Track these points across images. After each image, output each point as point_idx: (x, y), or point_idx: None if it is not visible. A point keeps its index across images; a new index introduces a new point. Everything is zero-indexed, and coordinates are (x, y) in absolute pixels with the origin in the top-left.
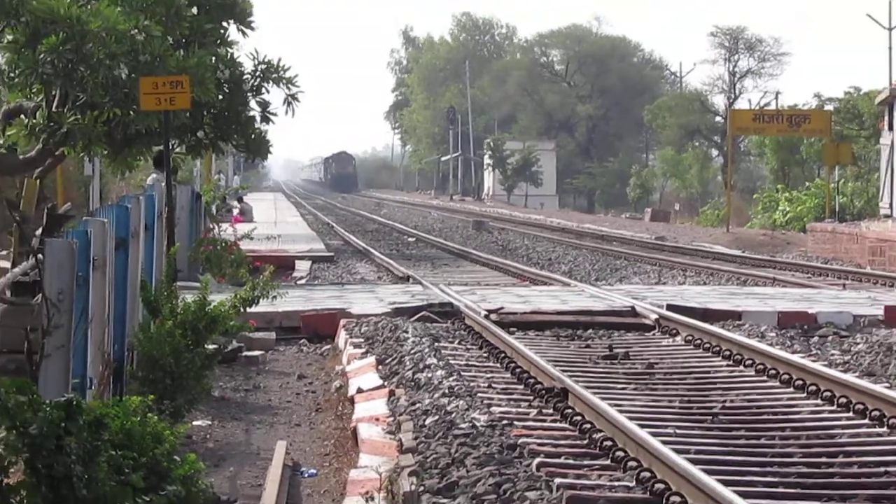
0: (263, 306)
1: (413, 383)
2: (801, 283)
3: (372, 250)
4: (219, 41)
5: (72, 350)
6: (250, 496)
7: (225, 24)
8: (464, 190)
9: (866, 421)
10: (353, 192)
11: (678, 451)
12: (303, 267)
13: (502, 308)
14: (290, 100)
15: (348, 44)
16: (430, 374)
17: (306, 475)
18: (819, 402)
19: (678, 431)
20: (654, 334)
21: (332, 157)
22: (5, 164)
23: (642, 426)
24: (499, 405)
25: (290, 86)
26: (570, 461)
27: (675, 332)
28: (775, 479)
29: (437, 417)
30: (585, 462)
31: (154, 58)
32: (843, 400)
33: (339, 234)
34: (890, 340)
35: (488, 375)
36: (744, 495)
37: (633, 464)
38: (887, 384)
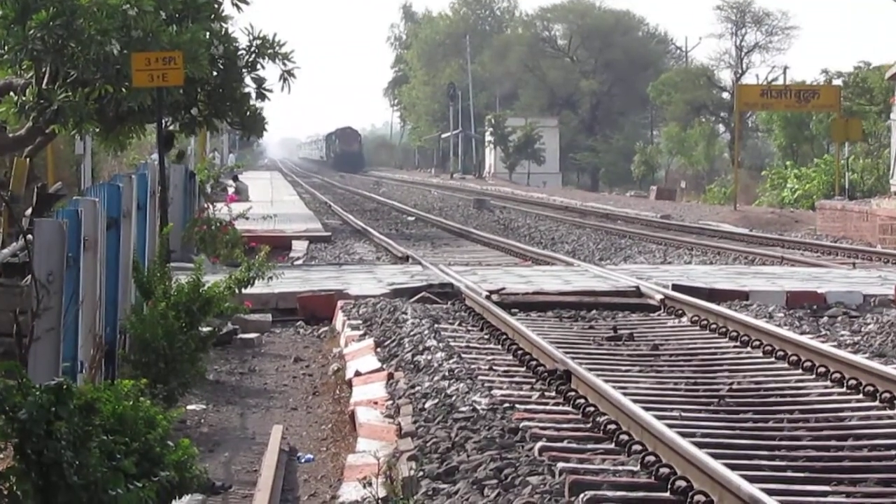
0: (259, 287)
1: (412, 366)
2: (810, 263)
3: (370, 230)
4: (213, 16)
5: (62, 333)
6: (245, 482)
7: None
8: (464, 168)
9: (876, 403)
10: (360, 171)
11: (684, 435)
12: (299, 247)
13: (504, 289)
14: (286, 76)
15: (346, 19)
16: (429, 357)
17: (303, 460)
18: (828, 383)
19: (684, 414)
20: (659, 315)
21: (336, 132)
22: None
23: (647, 409)
24: (500, 388)
25: (285, 62)
26: (574, 445)
27: (680, 312)
28: (783, 463)
29: (436, 401)
30: (589, 446)
31: (146, 33)
32: (853, 382)
33: (337, 213)
34: None
35: (489, 358)
36: (751, 479)
37: (637, 448)
38: None
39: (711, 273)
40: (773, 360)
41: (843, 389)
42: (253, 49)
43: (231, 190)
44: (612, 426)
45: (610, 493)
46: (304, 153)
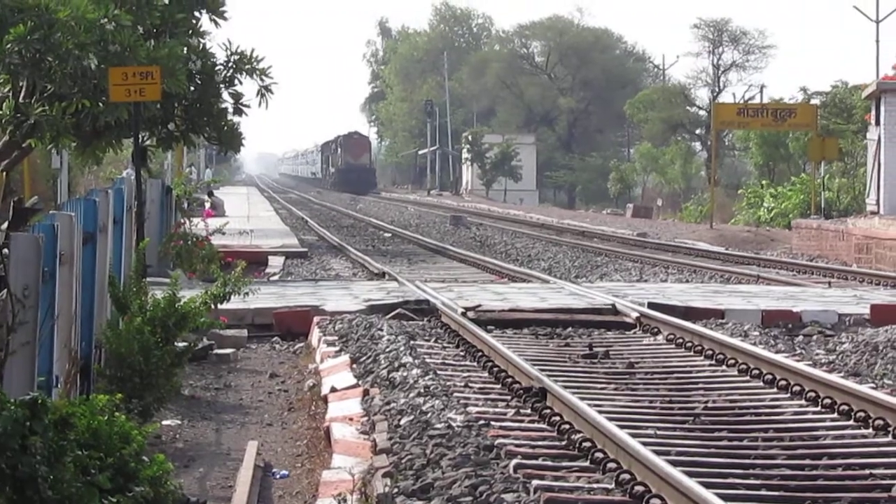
0: (235, 303)
1: (388, 382)
2: (786, 281)
3: (347, 246)
4: (190, 31)
5: (37, 347)
6: (220, 498)
7: (197, 13)
8: (441, 184)
9: (851, 422)
10: (371, 192)
11: (659, 453)
12: (276, 263)
13: (480, 306)
14: (264, 91)
15: (324, 35)
16: (405, 373)
17: (278, 476)
18: (803, 402)
19: (659, 432)
20: (634, 333)
21: (339, 140)
22: None
23: (622, 427)
24: (475, 405)
25: (263, 77)
26: (548, 463)
27: (656, 330)
28: (758, 482)
29: (412, 417)
30: (564, 464)
31: (124, 48)
32: (828, 401)
33: (314, 229)
34: (876, 340)
35: (465, 374)
36: (725, 498)
37: (612, 465)
38: (873, 385)
39: (687, 291)
40: (748, 378)
41: (818, 408)
42: (231, 64)
43: (207, 205)
44: (587, 444)
45: None
46: (287, 168)
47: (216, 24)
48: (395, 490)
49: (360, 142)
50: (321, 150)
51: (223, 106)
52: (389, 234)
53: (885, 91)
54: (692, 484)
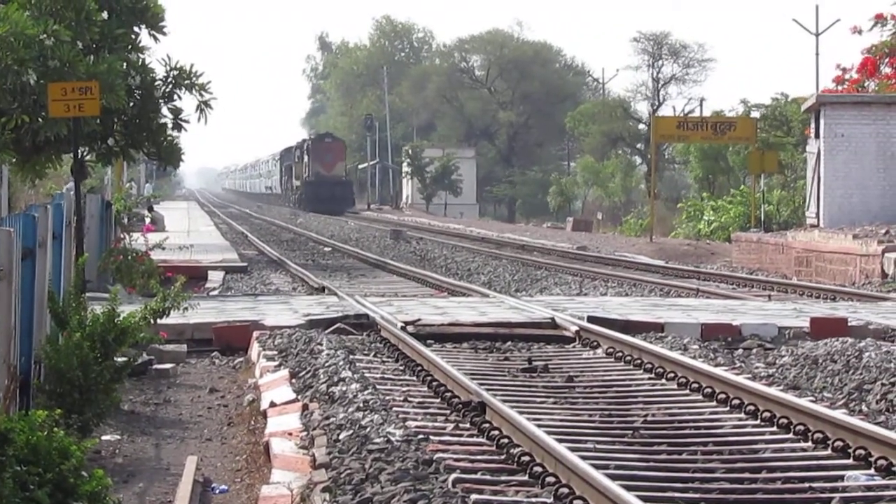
0: (174, 318)
1: (327, 397)
2: (726, 295)
3: (287, 261)
4: (130, 46)
5: None
6: None
7: (136, 28)
8: (382, 199)
9: (790, 435)
10: (348, 211)
11: (597, 467)
12: (216, 277)
13: (419, 320)
14: (203, 106)
15: (264, 50)
16: (344, 388)
17: (217, 491)
18: (742, 416)
19: (598, 446)
20: (574, 347)
21: (308, 145)
22: None
23: (561, 441)
24: (415, 419)
25: (202, 92)
26: (487, 477)
27: (595, 344)
28: (697, 496)
29: (351, 432)
30: (503, 478)
31: (63, 63)
32: (767, 414)
33: (254, 243)
34: (815, 353)
35: (404, 389)
36: None
37: (551, 479)
38: (812, 398)
39: (627, 305)
40: (687, 392)
41: (757, 422)
42: (170, 80)
43: (147, 220)
44: (526, 458)
45: None
46: (233, 183)
47: (155, 39)
48: None
49: (333, 147)
50: (280, 159)
51: (162, 121)
52: (329, 249)
53: (824, 104)
54: (631, 498)
